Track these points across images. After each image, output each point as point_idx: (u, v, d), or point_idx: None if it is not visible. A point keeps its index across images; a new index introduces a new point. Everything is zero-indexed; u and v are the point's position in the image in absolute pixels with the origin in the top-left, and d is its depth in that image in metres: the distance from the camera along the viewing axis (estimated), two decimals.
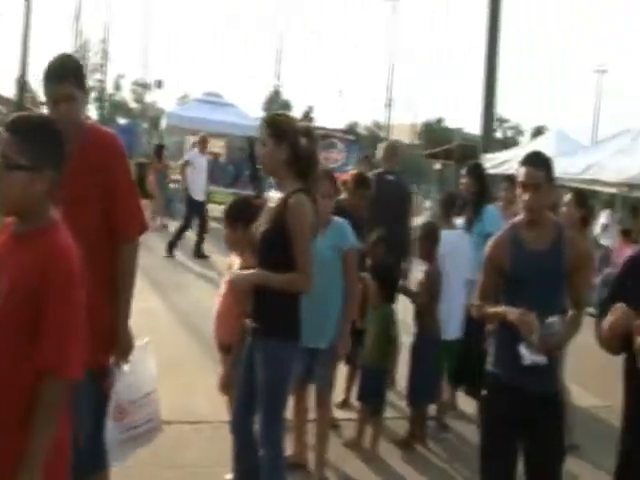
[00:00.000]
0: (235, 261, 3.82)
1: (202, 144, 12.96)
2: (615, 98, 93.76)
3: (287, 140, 3.35)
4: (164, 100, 47.85)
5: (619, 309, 2.42)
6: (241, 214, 3.67)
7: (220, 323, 3.70)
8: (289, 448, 3.88)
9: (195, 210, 12.02)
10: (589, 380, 6.52)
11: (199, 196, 12.20)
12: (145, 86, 53.30)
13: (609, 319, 2.45)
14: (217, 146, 20.58)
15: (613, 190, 16.18)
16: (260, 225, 3.39)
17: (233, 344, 3.64)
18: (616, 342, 2.56)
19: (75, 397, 2.75)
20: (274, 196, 3.47)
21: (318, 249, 3.81)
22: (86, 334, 2.11)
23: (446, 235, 5.14)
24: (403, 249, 5.95)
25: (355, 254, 4.20)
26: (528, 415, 3.09)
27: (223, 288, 3.79)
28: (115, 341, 3.03)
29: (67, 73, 2.93)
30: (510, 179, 6.66)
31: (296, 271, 3.27)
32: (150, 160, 16.94)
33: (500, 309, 3.15)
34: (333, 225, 4.10)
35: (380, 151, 6.60)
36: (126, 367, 3.08)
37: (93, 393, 2.92)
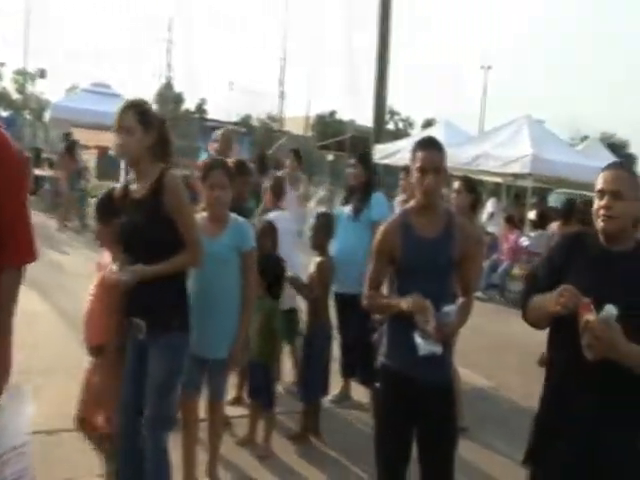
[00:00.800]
0: (106, 258, 3.58)
1: None
2: (500, 92, 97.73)
3: (154, 127, 3.25)
4: (50, 91, 46.05)
5: (569, 290, 2.43)
6: (113, 208, 3.44)
7: (91, 324, 3.48)
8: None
9: None
10: (474, 361, 6.69)
11: None
12: (27, 75, 50.89)
13: (557, 299, 2.44)
14: (105, 139, 19.83)
15: (499, 179, 16.92)
16: (131, 219, 3.24)
17: (106, 345, 3.44)
18: (550, 319, 2.59)
19: None
20: (137, 187, 3.31)
21: (216, 249, 3.67)
22: None
23: (272, 217, 5.22)
24: None
25: (255, 255, 4.06)
26: (422, 405, 3.07)
27: (93, 287, 3.56)
28: None
29: None
30: (407, 169, 6.72)
31: (185, 249, 3.24)
32: (60, 156, 15.94)
33: (393, 300, 3.10)
34: (232, 224, 3.88)
35: (216, 141, 6.45)
36: None
37: None
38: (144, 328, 3.26)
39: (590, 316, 2.36)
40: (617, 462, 2.54)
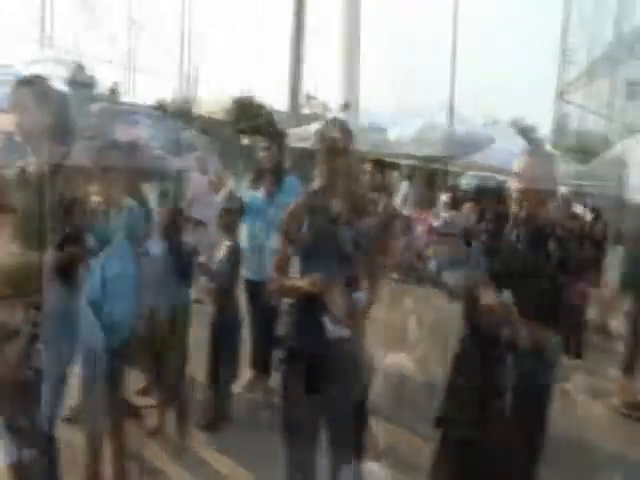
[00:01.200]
0: None
1: None
2: (419, 77, 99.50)
3: (51, 105, 3.07)
4: None
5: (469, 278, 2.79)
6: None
7: None
8: None
9: None
10: (388, 342, 6.71)
11: None
12: None
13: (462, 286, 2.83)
14: (9, 123, 18.89)
15: (413, 162, 17.16)
16: (26, 204, 3.04)
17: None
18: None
19: None
20: (34, 170, 3.12)
21: (110, 237, 3.50)
22: None
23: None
24: None
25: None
26: (331, 388, 3.03)
27: None
28: None
29: None
30: None
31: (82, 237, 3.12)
32: None
33: (298, 282, 3.04)
34: (125, 208, 3.73)
35: (93, 119, 6.27)
36: None
37: None
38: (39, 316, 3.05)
39: (489, 299, 2.63)
40: (526, 414, 2.68)
